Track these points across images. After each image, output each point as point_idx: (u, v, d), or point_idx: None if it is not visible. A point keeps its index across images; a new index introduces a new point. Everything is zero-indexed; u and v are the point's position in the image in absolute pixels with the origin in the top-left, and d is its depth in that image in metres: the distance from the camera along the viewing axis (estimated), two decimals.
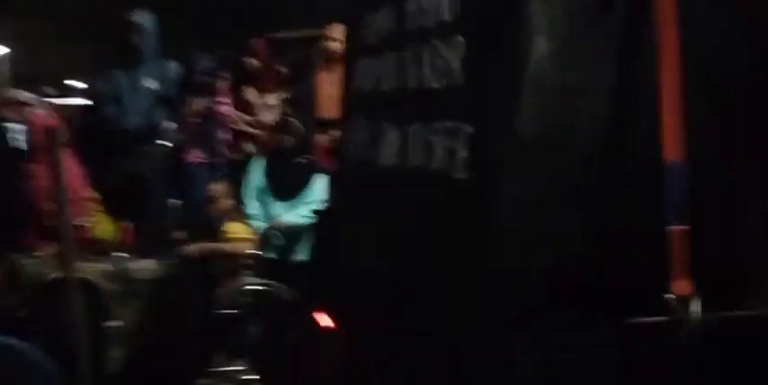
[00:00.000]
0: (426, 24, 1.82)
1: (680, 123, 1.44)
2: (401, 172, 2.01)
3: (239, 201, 4.09)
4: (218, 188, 3.97)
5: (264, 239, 3.90)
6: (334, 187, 2.74)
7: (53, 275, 2.05)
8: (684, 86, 1.43)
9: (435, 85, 1.82)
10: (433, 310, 1.72)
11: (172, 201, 4.61)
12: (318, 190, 3.99)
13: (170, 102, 4.52)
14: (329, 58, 4.51)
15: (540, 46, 1.47)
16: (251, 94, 4.74)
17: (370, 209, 2.28)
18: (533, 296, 1.45)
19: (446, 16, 1.69)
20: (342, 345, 2.38)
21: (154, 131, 4.47)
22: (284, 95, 4.81)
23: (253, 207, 4.14)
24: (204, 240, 3.68)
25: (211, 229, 3.88)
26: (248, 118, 4.71)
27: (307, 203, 3.99)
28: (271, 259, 3.87)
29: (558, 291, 1.43)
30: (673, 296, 1.40)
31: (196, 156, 4.61)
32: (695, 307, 1.39)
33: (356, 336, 2.24)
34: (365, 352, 2.19)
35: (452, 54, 1.67)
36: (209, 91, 4.58)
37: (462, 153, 1.62)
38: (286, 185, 4.16)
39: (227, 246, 3.51)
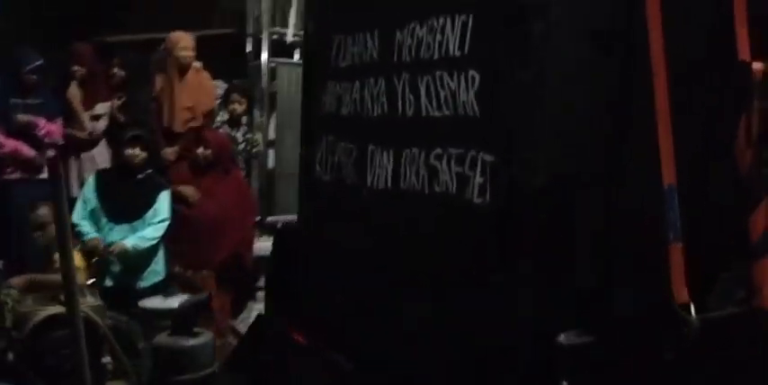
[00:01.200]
0: (426, 57, 1.93)
1: (672, 149, 1.66)
2: (394, 193, 2.10)
3: (72, 224, 3.45)
4: (46, 213, 3.40)
5: (101, 266, 3.51)
6: (303, 206, 2.75)
7: (44, 312, 1.92)
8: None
9: (436, 114, 1.94)
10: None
11: None
12: (163, 208, 3.67)
13: None
14: (181, 68, 4.35)
15: (552, 80, 1.64)
16: (76, 101, 4.31)
17: (352, 226, 2.35)
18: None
19: (455, 52, 1.81)
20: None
21: None
22: (118, 103, 4.41)
23: (86, 226, 3.62)
24: (31, 271, 3.11)
25: (40, 258, 3.39)
26: (77, 132, 4.30)
27: (152, 224, 3.63)
28: (110, 287, 3.49)
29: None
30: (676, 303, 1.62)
31: (13, 172, 4.08)
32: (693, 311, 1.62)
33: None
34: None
35: (463, 87, 1.80)
36: (34, 90, 4.09)
37: (479, 179, 1.75)
38: (125, 205, 3.67)
39: (53, 278, 2.84)
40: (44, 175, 4.02)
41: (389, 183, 2.12)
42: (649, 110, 1.66)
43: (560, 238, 1.63)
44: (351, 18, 2.38)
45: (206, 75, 4.56)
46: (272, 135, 5.10)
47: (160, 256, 3.75)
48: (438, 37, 1.86)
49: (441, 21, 1.83)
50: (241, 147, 4.67)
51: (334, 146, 2.47)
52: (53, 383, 1.91)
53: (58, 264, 2.98)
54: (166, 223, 3.67)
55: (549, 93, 1.64)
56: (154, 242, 3.64)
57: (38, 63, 4.13)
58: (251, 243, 4.22)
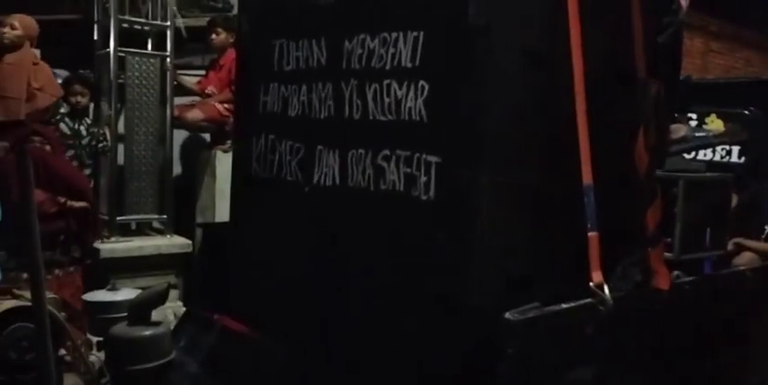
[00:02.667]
0: (378, 67, 2.12)
1: (589, 153, 1.96)
2: (341, 190, 2.27)
3: None
4: None
5: None
6: (235, 203, 2.85)
7: (2, 305, 1.90)
8: None
9: (381, 118, 2.14)
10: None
11: None
12: None
13: None
14: (5, 49, 4.01)
15: (492, 90, 1.89)
16: None
17: (294, 220, 2.49)
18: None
19: (406, 64, 2.02)
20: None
21: None
22: None
23: None
24: None
25: None
26: None
27: None
28: None
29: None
30: (592, 284, 1.92)
31: None
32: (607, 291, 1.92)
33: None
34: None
35: (411, 95, 2.01)
36: None
37: (424, 178, 1.97)
38: None
39: None
40: None
41: (337, 181, 2.29)
42: (570, 117, 1.96)
43: (499, 229, 1.88)
44: (294, 24, 2.52)
45: (43, 65, 4.22)
46: (121, 129, 4.81)
47: None
48: (391, 50, 2.06)
49: (393, 35, 2.03)
50: (85, 141, 4.49)
51: (275, 144, 2.60)
52: (13, 376, 1.92)
53: None
54: None
55: (489, 101, 1.88)
56: None
57: None
58: None
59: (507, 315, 1.72)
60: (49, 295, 1.91)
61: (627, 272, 2.18)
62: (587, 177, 1.95)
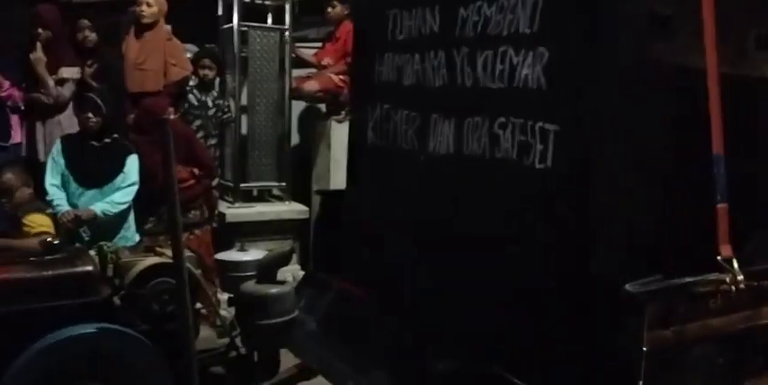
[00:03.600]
0: (493, 34, 2.09)
1: (722, 122, 1.85)
2: (456, 158, 2.29)
3: (40, 189, 3.59)
4: (11, 177, 3.40)
5: (70, 232, 3.47)
6: (352, 171, 2.93)
7: (144, 262, 2.12)
8: None
9: (493, 86, 2.12)
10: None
11: None
12: (132, 172, 3.68)
13: None
14: (139, 26, 4.26)
15: (618, 56, 1.82)
16: (41, 66, 4.10)
17: (409, 188, 2.53)
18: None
19: (524, 29, 1.98)
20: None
21: None
22: (90, 70, 4.25)
23: (57, 195, 3.63)
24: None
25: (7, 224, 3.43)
26: (42, 96, 4.12)
27: (120, 189, 3.65)
28: None
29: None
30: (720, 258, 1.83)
31: None
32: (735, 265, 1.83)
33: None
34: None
35: (529, 62, 1.97)
36: None
37: (540, 146, 1.94)
38: (93, 170, 3.66)
39: (22, 243, 3.02)
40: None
41: (452, 149, 2.30)
42: (700, 84, 1.85)
43: (620, 199, 1.82)
44: None
45: (176, 41, 4.46)
46: (244, 101, 5.03)
47: (131, 222, 3.78)
48: (508, 16, 2.02)
49: (512, 0, 1.99)
50: (211, 112, 4.68)
51: (390, 113, 2.64)
52: (156, 325, 2.12)
53: (29, 229, 3.19)
54: (135, 187, 3.68)
55: (614, 67, 1.81)
56: (123, 207, 3.65)
57: None
58: None
59: (628, 287, 1.68)
60: (187, 253, 2.07)
61: (760, 246, 2.06)
62: (717, 146, 1.85)
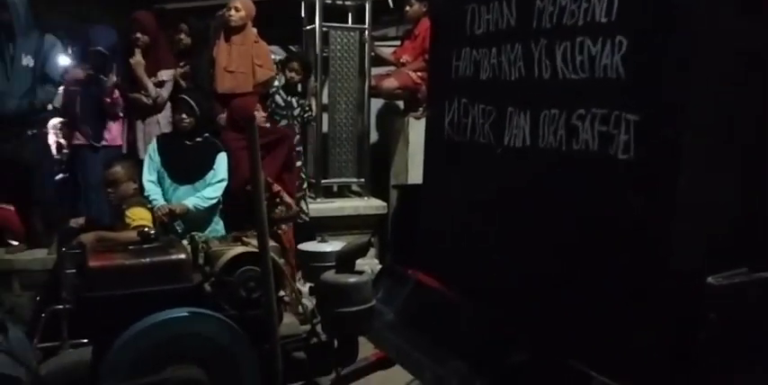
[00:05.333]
0: (569, 24, 2.09)
1: None
2: (531, 151, 2.29)
3: (140, 184, 3.82)
4: (119, 170, 3.59)
5: (165, 224, 3.70)
6: (429, 165, 2.97)
7: (233, 251, 2.25)
8: None
9: (573, 76, 2.10)
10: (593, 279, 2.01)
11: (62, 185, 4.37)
12: (221, 169, 3.92)
13: (51, 79, 4.12)
14: (228, 30, 4.43)
15: (700, 44, 1.78)
16: (141, 69, 4.37)
17: (485, 182, 2.55)
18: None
19: (601, 19, 1.96)
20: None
21: (34, 111, 4.09)
22: (181, 70, 4.54)
23: (153, 191, 3.89)
24: (102, 228, 3.48)
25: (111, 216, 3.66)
26: (142, 97, 4.38)
27: (211, 185, 3.89)
28: None
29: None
30: None
31: (83, 137, 4.31)
32: None
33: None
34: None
35: (607, 51, 1.95)
36: (101, 66, 4.19)
37: (623, 136, 1.91)
38: (186, 166, 3.92)
39: (121, 235, 3.19)
40: (105, 142, 4.30)
41: (527, 142, 2.30)
42: None
43: (703, 190, 1.78)
44: None
45: (262, 43, 4.63)
46: (325, 100, 5.18)
47: (221, 219, 4.00)
48: (584, 5, 2.01)
49: None
50: (296, 112, 4.83)
51: (467, 108, 2.67)
52: (243, 311, 2.24)
53: (130, 221, 3.38)
54: (224, 183, 3.92)
55: (696, 56, 1.77)
56: (213, 202, 3.89)
57: (113, 41, 4.26)
58: None
59: (710, 279, 1.65)
60: (271, 244, 2.18)
61: None
62: None
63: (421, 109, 5.17)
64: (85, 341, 2.47)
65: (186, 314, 2.12)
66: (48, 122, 4.56)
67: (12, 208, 4.12)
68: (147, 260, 2.21)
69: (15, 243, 4.15)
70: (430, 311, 2.66)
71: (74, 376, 2.30)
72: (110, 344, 2.08)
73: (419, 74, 5.22)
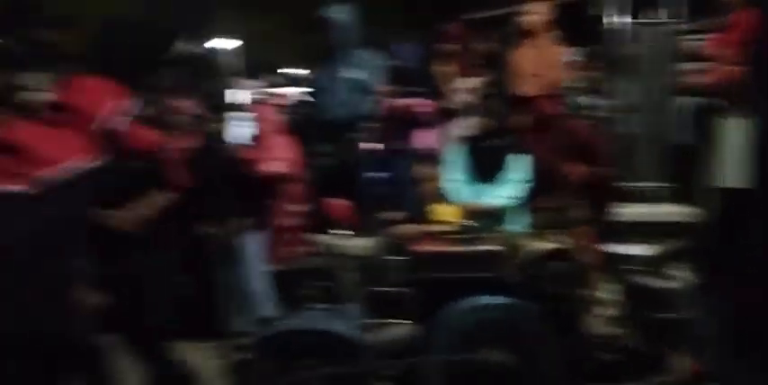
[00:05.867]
0: None
1: None
2: None
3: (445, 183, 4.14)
4: (426, 170, 3.96)
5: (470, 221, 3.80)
6: (761, 168, 2.73)
7: (545, 246, 2.41)
8: None
9: None
10: None
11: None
12: (517, 170, 4.04)
13: (372, 91, 4.57)
14: (527, 34, 4.43)
15: None
16: (449, 78, 4.66)
17: None
18: None
19: None
20: None
21: (357, 120, 4.55)
22: (485, 77, 4.75)
23: (458, 189, 4.15)
24: (413, 221, 3.79)
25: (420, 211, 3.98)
26: (450, 104, 4.63)
27: (506, 184, 4.03)
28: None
29: None
30: None
31: (397, 142, 4.65)
32: None
33: None
34: None
35: None
36: (409, 80, 4.56)
37: None
38: (486, 167, 4.14)
39: (435, 228, 3.45)
40: (415, 146, 4.67)
41: None
42: None
43: None
44: None
45: (562, 45, 4.64)
46: (628, 99, 4.99)
47: (525, 217, 4.00)
48: None
49: None
50: (599, 112, 4.73)
51: None
52: (548, 305, 2.36)
53: (438, 216, 3.63)
54: (524, 183, 3.98)
55: None
56: (513, 200, 3.97)
57: (418, 56, 4.66)
58: None
59: None
60: (575, 243, 2.26)
61: None
62: None
63: (737, 106, 4.71)
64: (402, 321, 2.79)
65: (500, 301, 2.30)
66: (368, 129, 5.16)
67: (345, 202, 4.80)
68: (466, 249, 2.45)
69: (346, 232, 4.84)
70: (751, 328, 2.46)
71: (393, 349, 2.64)
72: (429, 323, 2.35)
73: (736, 69, 4.75)
